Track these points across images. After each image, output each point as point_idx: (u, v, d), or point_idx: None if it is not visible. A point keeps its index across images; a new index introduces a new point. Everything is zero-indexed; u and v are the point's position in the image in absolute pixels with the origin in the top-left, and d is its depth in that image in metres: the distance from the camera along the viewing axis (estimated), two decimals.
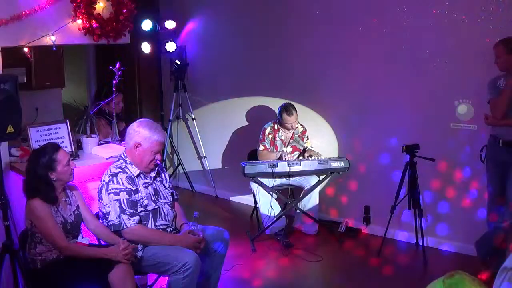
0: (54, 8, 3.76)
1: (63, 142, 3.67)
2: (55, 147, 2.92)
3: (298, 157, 4.93)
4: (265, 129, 4.97)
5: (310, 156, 4.80)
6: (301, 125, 5.01)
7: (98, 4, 4.00)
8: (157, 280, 3.42)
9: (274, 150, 4.92)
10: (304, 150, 4.98)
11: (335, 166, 4.61)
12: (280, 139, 4.94)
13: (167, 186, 3.25)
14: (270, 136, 4.93)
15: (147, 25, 5.71)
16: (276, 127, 4.96)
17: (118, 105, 4.55)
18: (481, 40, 4.11)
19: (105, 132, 4.57)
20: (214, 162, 6.17)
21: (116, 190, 2.96)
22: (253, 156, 5.05)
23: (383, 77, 4.74)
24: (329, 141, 5.19)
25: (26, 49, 3.88)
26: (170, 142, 6.37)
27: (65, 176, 2.91)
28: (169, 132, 6.29)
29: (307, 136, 5.03)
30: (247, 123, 5.77)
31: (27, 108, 3.73)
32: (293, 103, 4.89)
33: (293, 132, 4.97)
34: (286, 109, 4.79)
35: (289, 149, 4.96)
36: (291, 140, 4.97)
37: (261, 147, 4.93)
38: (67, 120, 3.77)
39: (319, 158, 4.70)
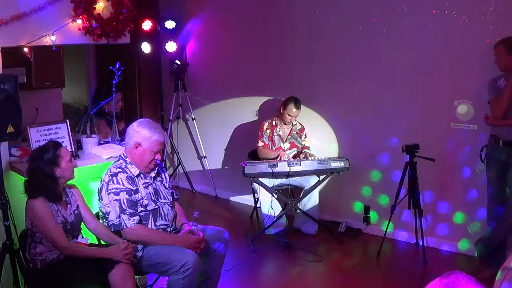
0: (54, 8, 3.75)
1: (63, 142, 3.65)
2: (57, 144, 2.94)
3: (295, 155, 4.94)
4: (263, 124, 5.00)
5: (305, 157, 4.80)
6: (299, 122, 5.03)
7: (98, 4, 3.99)
8: (157, 280, 3.43)
9: (273, 146, 4.94)
10: (301, 151, 4.98)
11: (335, 166, 4.61)
12: (278, 135, 4.97)
13: (167, 186, 3.25)
14: (268, 131, 4.96)
15: (147, 25, 5.71)
16: (274, 123, 4.98)
17: (118, 104, 4.55)
18: (481, 40, 4.11)
19: (105, 132, 4.57)
20: (214, 162, 6.17)
21: (116, 190, 2.96)
22: (253, 156, 5.06)
23: (383, 77, 4.74)
24: (329, 141, 5.19)
25: (26, 49, 3.88)
26: (170, 142, 6.37)
27: (68, 173, 2.91)
28: (169, 132, 6.29)
29: (305, 134, 5.04)
30: (247, 123, 5.77)
31: (27, 108, 3.72)
32: None
33: (291, 129, 4.98)
34: (295, 100, 4.85)
35: (287, 145, 4.98)
36: (289, 137, 4.99)
37: (260, 143, 4.96)
38: (67, 120, 3.76)
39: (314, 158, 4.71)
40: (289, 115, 4.85)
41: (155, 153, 3.06)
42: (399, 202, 4.36)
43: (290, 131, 5.00)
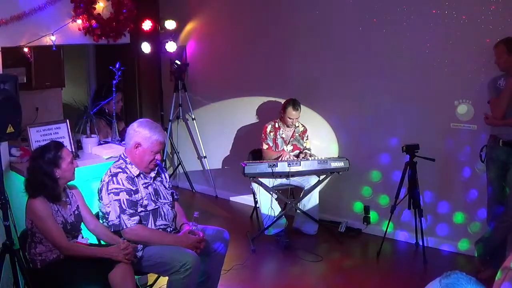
0: (54, 8, 3.76)
1: (63, 142, 3.66)
2: (59, 145, 2.94)
3: (296, 157, 4.94)
4: (266, 127, 4.99)
5: (305, 157, 4.79)
6: (301, 124, 5.02)
7: (98, 4, 4.00)
8: (157, 280, 3.43)
9: (276, 148, 4.94)
10: (301, 151, 4.98)
11: (335, 166, 4.61)
12: (281, 137, 4.96)
13: (167, 186, 3.25)
14: (271, 134, 4.96)
15: (147, 25, 5.71)
16: (277, 125, 4.98)
17: (118, 104, 4.55)
18: (481, 40, 4.11)
19: (105, 132, 4.57)
20: (214, 162, 6.17)
21: (116, 190, 2.96)
22: (253, 156, 5.06)
23: (383, 77, 4.74)
24: (329, 141, 5.19)
25: (26, 49, 3.88)
26: (170, 142, 6.37)
27: (68, 174, 2.91)
28: (169, 132, 6.29)
29: (307, 136, 5.04)
30: (247, 123, 5.77)
31: (27, 108, 3.72)
32: None
33: (294, 131, 4.98)
34: (293, 102, 4.82)
35: (290, 147, 4.97)
36: (292, 139, 4.98)
37: (264, 146, 4.95)
38: (67, 120, 3.76)
39: (314, 158, 4.71)
40: (289, 118, 4.84)
41: (155, 153, 3.06)
42: (399, 202, 4.36)
43: (293, 133, 4.99)
